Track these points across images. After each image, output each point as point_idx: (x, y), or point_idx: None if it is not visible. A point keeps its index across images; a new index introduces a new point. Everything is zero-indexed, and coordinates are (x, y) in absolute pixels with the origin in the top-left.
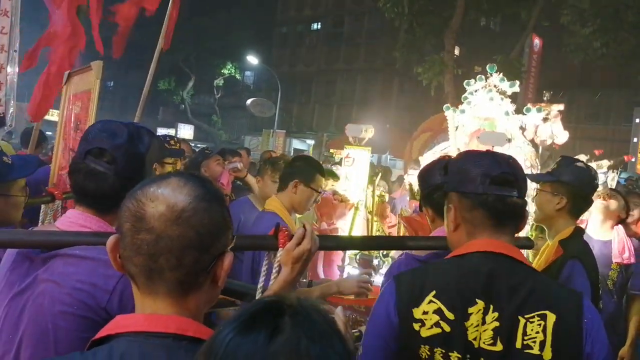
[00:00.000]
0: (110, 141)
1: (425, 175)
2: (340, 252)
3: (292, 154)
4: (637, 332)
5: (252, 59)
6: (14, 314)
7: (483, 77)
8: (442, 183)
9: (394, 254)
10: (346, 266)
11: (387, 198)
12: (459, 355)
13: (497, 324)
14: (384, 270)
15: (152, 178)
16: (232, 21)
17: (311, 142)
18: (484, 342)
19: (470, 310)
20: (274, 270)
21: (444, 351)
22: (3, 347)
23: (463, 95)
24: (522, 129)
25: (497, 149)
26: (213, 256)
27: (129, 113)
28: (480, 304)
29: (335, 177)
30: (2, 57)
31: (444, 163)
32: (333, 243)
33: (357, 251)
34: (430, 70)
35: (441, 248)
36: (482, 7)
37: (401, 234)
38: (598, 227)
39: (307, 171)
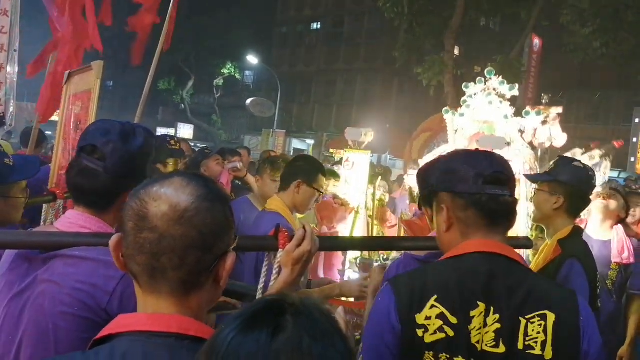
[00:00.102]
0: (102, 138)
1: (424, 175)
2: (341, 256)
3: (292, 153)
4: (636, 332)
5: (252, 59)
6: (14, 314)
7: (482, 79)
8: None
9: (394, 256)
10: (347, 270)
11: (387, 198)
12: None
13: (498, 325)
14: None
15: (156, 177)
16: (231, 21)
17: (311, 142)
18: (486, 345)
19: (472, 313)
20: (274, 272)
21: (448, 356)
22: (3, 347)
23: (462, 99)
24: (521, 132)
25: (496, 152)
26: (215, 256)
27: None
28: (482, 306)
29: (336, 176)
30: (2, 57)
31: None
32: (333, 244)
33: (357, 255)
34: (430, 70)
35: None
36: (482, 7)
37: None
38: (598, 226)
39: (310, 171)
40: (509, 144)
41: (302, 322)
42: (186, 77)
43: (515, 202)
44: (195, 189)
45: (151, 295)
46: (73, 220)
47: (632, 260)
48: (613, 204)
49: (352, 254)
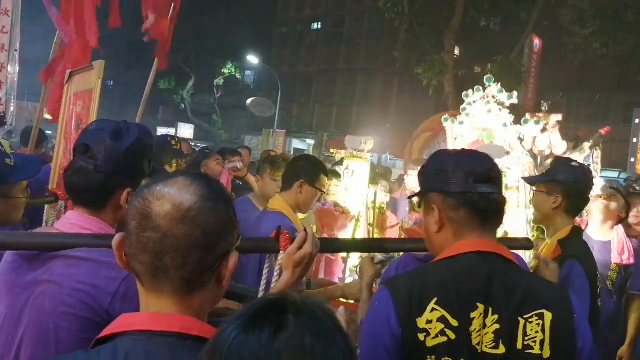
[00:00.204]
0: (94, 137)
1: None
2: (341, 264)
3: (292, 153)
4: (636, 332)
5: (252, 59)
6: (14, 315)
7: (481, 88)
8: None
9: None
10: (347, 278)
11: (388, 198)
12: None
13: (497, 326)
14: None
15: (159, 177)
16: (231, 21)
17: (311, 141)
18: (486, 346)
19: (472, 315)
20: (275, 274)
21: (450, 359)
22: (3, 347)
23: (462, 107)
24: (521, 139)
25: (496, 161)
26: (218, 255)
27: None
28: (481, 307)
29: (337, 176)
30: (3, 57)
31: None
32: (334, 246)
33: (357, 263)
34: (431, 70)
35: None
36: (482, 8)
37: None
38: (598, 227)
39: (312, 171)
40: (508, 153)
41: (304, 320)
42: (186, 76)
43: (504, 200)
44: (198, 188)
45: (154, 295)
46: (73, 221)
47: (632, 261)
48: (613, 204)
49: (353, 262)
